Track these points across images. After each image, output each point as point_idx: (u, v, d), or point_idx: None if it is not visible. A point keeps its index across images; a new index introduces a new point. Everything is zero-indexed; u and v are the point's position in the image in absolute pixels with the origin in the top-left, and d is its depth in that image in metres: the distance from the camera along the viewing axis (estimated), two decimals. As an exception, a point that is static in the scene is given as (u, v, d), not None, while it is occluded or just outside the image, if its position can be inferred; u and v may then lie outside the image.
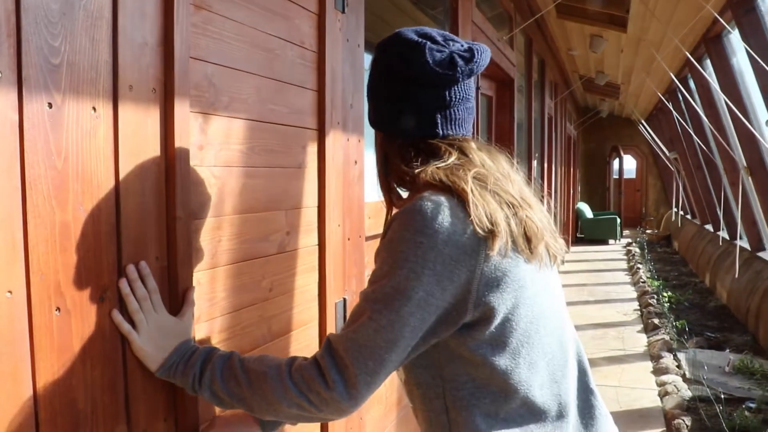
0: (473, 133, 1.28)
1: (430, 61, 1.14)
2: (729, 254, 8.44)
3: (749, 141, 6.25)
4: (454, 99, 1.19)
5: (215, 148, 1.39)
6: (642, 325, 6.89)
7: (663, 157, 13.18)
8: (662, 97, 8.51)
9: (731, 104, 5.45)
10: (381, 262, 1.10)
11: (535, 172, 6.77)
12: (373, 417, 2.29)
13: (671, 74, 6.57)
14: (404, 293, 1.04)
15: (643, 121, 12.15)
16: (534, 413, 1.15)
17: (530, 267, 1.13)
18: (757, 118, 6.26)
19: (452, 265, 1.04)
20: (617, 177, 18.29)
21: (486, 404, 1.12)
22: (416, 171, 1.15)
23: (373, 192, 2.21)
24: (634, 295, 8.66)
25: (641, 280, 9.48)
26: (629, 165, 19.31)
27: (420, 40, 1.16)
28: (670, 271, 10.56)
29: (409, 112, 1.19)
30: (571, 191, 13.71)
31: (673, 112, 8.69)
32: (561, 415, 1.17)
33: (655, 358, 5.64)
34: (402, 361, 1.07)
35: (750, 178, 6.34)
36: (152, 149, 1.19)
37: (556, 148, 10.17)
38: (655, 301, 7.79)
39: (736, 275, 6.35)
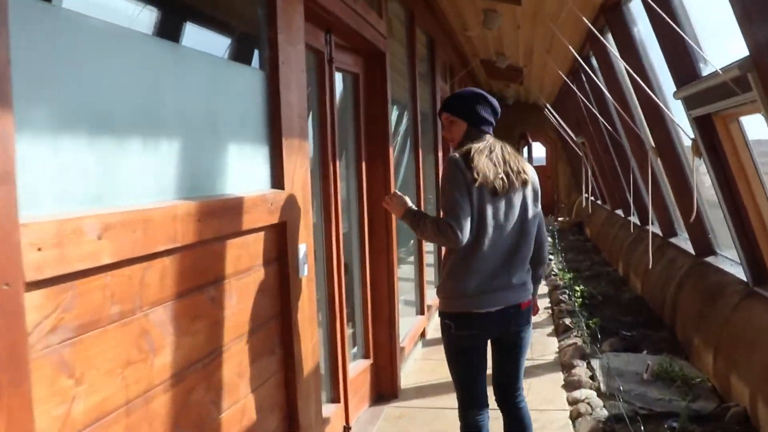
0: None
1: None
2: (641, 241, 7.93)
3: (656, 118, 5.66)
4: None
5: None
6: (553, 327, 6.23)
7: (571, 142, 12.74)
8: (566, 78, 7.90)
9: (636, 76, 4.81)
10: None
11: (421, 162, 5.97)
12: None
13: (572, 50, 5.91)
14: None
15: (548, 106, 11.64)
16: (473, 272, 2.70)
17: (491, 193, 2.68)
18: (663, 93, 5.68)
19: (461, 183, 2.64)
20: (527, 165, 17.89)
21: (464, 257, 2.70)
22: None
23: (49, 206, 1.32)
24: (545, 290, 8.04)
25: (552, 272, 8.91)
26: (539, 152, 19.00)
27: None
28: (583, 261, 10.06)
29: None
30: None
31: (578, 93, 8.11)
32: (482, 281, 2.71)
33: (567, 367, 4.95)
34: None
35: (658, 159, 5.75)
36: None
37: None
38: (566, 297, 7.17)
39: (650, 266, 5.75)
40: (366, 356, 4.38)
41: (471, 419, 2.85)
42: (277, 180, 2.46)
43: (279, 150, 2.45)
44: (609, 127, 7.68)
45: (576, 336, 5.72)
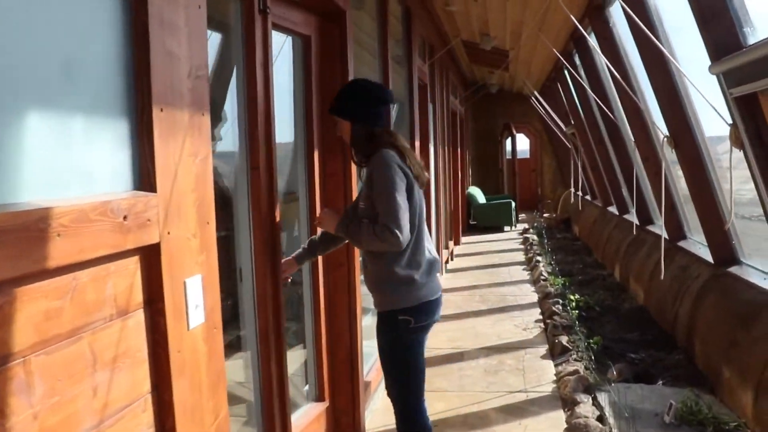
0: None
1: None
2: (642, 243, 7.08)
3: (672, 101, 4.77)
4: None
5: None
6: (547, 346, 5.34)
7: (558, 133, 11.88)
8: (560, 57, 6.99)
9: (657, 44, 3.90)
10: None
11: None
12: None
13: (574, 19, 4.99)
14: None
15: (536, 93, 10.76)
16: (417, 265, 2.71)
17: (419, 188, 2.75)
18: (680, 72, 4.78)
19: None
20: (510, 157, 17.06)
21: (405, 255, 2.69)
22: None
23: None
24: (535, 298, 7.16)
25: (542, 276, 8.03)
26: (523, 144, 18.17)
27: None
28: (574, 263, 9.19)
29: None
30: (460, 175, 12.19)
31: (574, 75, 7.22)
32: (425, 269, 2.73)
33: (569, 403, 4.06)
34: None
35: (673, 150, 4.87)
36: None
37: (437, 124, 8.53)
38: (560, 307, 6.29)
39: (662, 276, 4.88)
40: (320, 398, 3.45)
41: (424, 422, 2.87)
42: (145, 177, 1.52)
43: (148, 128, 1.51)
44: (610, 114, 6.78)
45: (576, 359, 4.84)
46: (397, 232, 2.51)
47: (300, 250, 2.93)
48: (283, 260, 2.78)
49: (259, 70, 2.48)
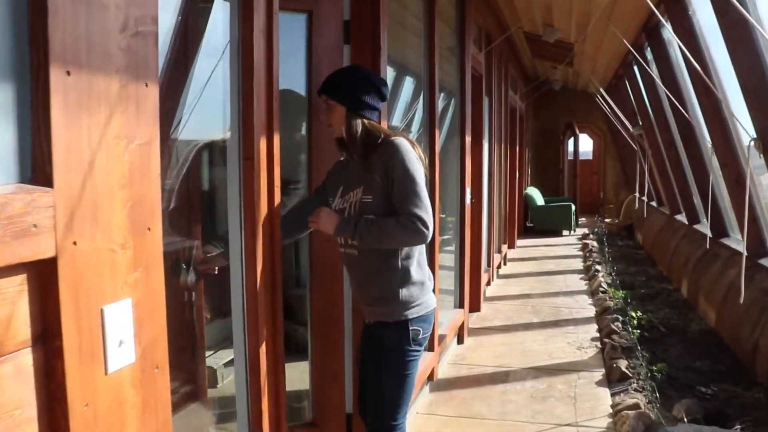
0: None
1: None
2: (715, 258, 6.39)
3: (766, 102, 4.13)
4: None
5: None
6: (603, 371, 4.76)
7: (624, 134, 11.13)
8: (631, 49, 6.34)
9: (746, 35, 3.30)
10: None
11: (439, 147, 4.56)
12: None
13: (650, 4, 4.39)
14: None
15: (602, 90, 10.06)
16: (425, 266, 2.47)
17: None
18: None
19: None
20: (572, 158, 16.27)
21: (416, 254, 2.41)
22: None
23: None
24: (592, 312, 6.55)
25: (600, 288, 7.39)
26: (585, 145, 17.34)
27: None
28: (636, 274, 8.51)
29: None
30: (518, 174, 11.56)
31: (645, 70, 6.57)
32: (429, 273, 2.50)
33: (626, 444, 3.51)
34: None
35: (763, 155, 4.22)
36: None
37: (493, 119, 7.97)
38: (620, 325, 5.68)
39: (741, 299, 4.25)
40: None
41: None
42: (38, 165, 1.09)
43: (44, 96, 1.07)
44: (685, 114, 6.11)
45: (636, 389, 4.26)
46: (427, 222, 2.28)
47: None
48: (206, 252, 2.48)
49: (258, 37, 2.03)
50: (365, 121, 2.36)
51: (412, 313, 2.38)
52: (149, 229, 1.31)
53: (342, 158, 2.55)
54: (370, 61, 2.88)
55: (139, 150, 1.28)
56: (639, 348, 4.96)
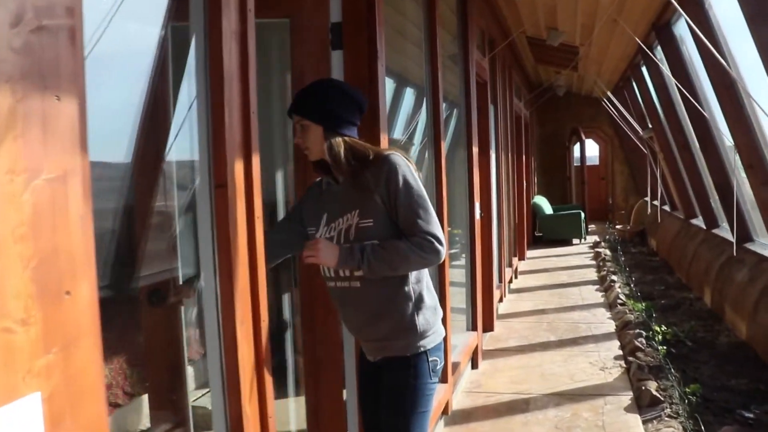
0: None
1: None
2: (740, 264, 6.03)
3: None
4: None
5: None
6: (631, 395, 4.39)
7: (633, 137, 10.80)
8: (643, 46, 6.01)
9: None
10: None
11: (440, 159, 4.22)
12: None
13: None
14: None
15: (610, 93, 9.73)
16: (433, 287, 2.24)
17: None
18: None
19: None
20: (579, 164, 15.92)
21: (425, 276, 2.17)
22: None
23: None
24: (612, 326, 6.19)
25: (618, 299, 7.03)
26: (591, 150, 16.98)
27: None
28: (654, 283, 8.14)
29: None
30: (525, 183, 11.21)
31: (657, 68, 6.24)
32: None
33: (667, 483, 3.15)
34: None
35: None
36: None
37: (499, 128, 7.65)
38: (643, 341, 5.32)
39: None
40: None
41: None
42: None
43: None
44: (704, 113, 5.77)
45: (670, 415, 3.90)
46: (442, 239, 2.06)
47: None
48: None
49: (230, 40, 1.70)
50: (346, 138, 2.10)
51: (429, 343, 2.13)
52: (68, 293, 0.98)
53: (317, 182, 2.27)
54: (366, 67, 2.56)
55: (49, 187, 0.95)
56: (669, 366, 4.60)
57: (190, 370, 2.96)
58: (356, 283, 2.08)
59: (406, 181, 2.04)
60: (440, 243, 2.05)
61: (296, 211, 2.32)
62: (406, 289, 2.10)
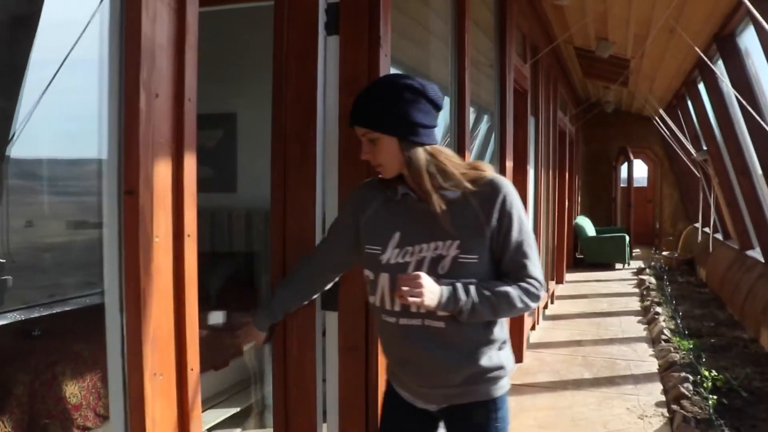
0: None
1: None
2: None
3: None
4: None
5: None
6: (675, 454, 3.83)
7: (686, 159, 10.13)
8: (703, 56, 5.44)
9: None
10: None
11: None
12: None
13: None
14: None
15: (662, 111, 9.11)
16: None
17: None
18: None
19: None
20: (625, 185, 15.19)
21: None
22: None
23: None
24: (654, 366, 5.59)
25: (663, 335, 6.42)
26: (639, 171, 16.23)
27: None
28: (702, 318, 7.47)
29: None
30: (567, 203, 10.61)
31: (716, 86, 5.65)
32: None
33: None
34: None
35: None
36: None
37: (542, 144, 7.13)
38: (690, 386, 4.73)
39: None
40: None
41: None
42: None
43: None
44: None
45: (720, 483, 3.34)
46: (544, 285, 1.84)
47: (264, 309, 2.02)
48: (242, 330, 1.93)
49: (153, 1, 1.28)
50: (427, 148, 1.74)
51: (507, 382, 1.93)
52: None
53: (371, 184, 1.90)
54: (365, 57, 2.11)
55: None
56: (720, 422, 4.02)
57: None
58: (439, 323, 1.77)
59: (520, 217, 1.78)
60: (542, 288, 1.82)
61: (342, 223, 1.95)
62: (492, 326, 1.85)
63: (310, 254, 2.03)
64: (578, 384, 5.16)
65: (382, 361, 2.24)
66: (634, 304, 8.57)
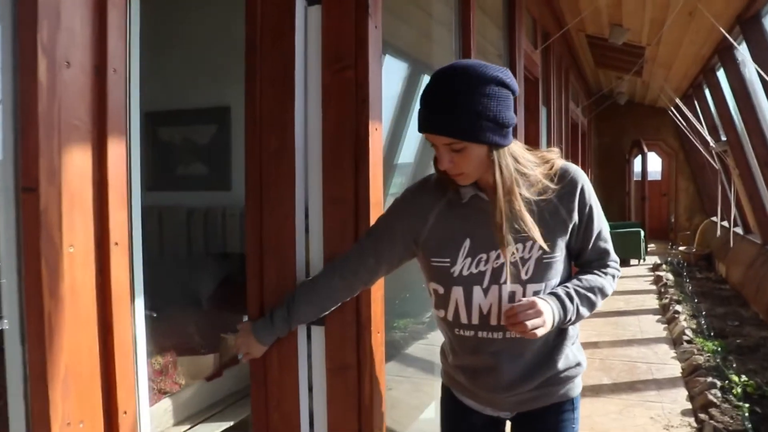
0: None
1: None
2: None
3: None
4: None
5: None
6: (706, 469, 3.51)
7: (703, 150, 9.76)
8: (727, 36, 5.09)
9: None
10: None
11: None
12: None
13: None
14: None
15: (678, 101, 8.75)
16: None
17: None
18: None
19: None
20: (639, 179, 14.79)
21: None
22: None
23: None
24: (677, 369, 5.26)
25: (684, 335, 6.08)
26: (653, 165, 15.83)
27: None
28: (725, 317, 7.12)
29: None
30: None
31: (738, 73, 5.31)
32: None
33: None
34: None
35: None
36: None
37: (554, 135, 6.80)
38: (718, 393, 4.41)
39: None
40: None
41: None
42: None
43: None
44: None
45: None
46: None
47: (270, 322, 1.75)
48: (238, 336, 1.79)
49: None
50: (512, 150, 1.55)
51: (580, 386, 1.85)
52: None
53: (428, 184, 1.68)
54: (352, 29, 1.80)
55: None
56: (752, 434, 3.69)
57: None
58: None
59: (596, 201, 1.69)
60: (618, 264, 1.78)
61: (392, 229, 1.67)
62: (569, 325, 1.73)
63: (340, 262, 1.72)
64: (596, 390, 4.84)
65: (381, 382, 1.95)
66: (652, 301, 8.23)
